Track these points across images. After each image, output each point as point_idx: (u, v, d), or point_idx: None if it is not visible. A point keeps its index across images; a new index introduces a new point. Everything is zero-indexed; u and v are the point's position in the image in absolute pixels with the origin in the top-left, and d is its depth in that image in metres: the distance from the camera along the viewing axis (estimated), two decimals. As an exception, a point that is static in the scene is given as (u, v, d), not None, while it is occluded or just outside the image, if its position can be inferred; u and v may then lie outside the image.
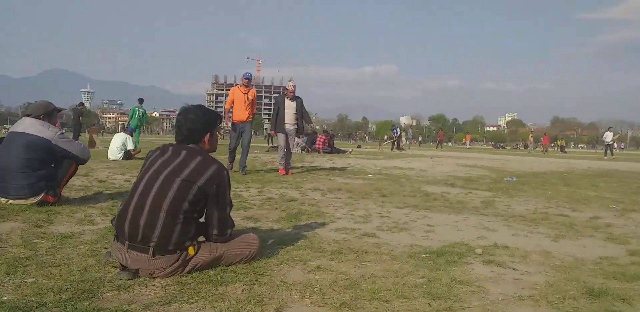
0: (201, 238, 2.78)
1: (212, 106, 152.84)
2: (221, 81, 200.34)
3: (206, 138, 2.81)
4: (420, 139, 59.97)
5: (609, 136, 26.21)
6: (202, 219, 2.74)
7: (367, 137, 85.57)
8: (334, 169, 11.28)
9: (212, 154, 2.84)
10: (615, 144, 30.80)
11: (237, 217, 4.14)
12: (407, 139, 35.90)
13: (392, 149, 27.53)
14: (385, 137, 38.50)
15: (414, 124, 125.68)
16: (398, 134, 28.51)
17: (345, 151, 20.93)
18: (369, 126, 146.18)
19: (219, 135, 3.19)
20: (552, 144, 46.75)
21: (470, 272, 2.85)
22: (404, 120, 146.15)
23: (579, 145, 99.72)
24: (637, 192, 8.23)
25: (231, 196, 2.82)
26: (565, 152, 42.35)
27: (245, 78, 9.19)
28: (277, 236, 3.64)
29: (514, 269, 3.00)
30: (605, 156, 25.98)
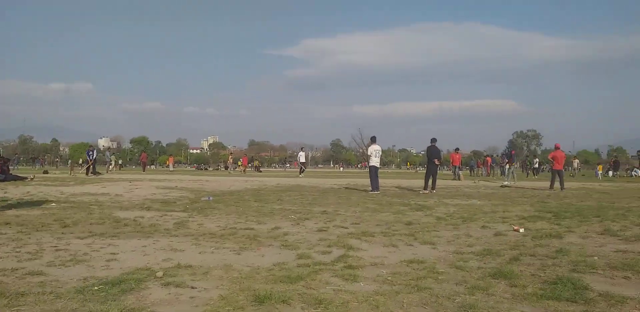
0: None
1: None
2: None
3: None
4: (120, 162, 56.58)
5: (302, 156, 30.34)
6: None
7: (58, 161, 75.61)
8: (4, 200, 9.41)
9: None
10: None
11: None
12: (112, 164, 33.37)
13: (87, 174, 24.99)
14: (80, 161, 34.81)
15: (113, 147, 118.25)
16: (94, 156, 26.14)
17: (25, 178, 17.89)
18: (61, 149, 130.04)
19: None
20: (249, 164, 51.23)
21: (146, 298, 2.70)
22: (103, 143, 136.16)
23: (272, 165, 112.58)
24: (312, 203, 9.65)
25: None
26: (261, 171, 47.06)
27: None
28: None
29: (192, 287, 3.00)
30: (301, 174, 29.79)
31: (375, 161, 13.92)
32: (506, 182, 20.44)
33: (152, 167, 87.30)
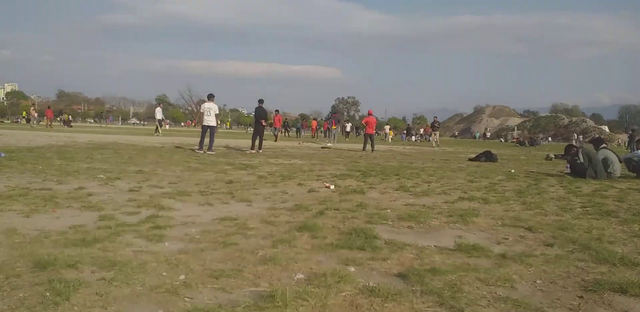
0: None
1: None
2: None
3: None
4: None
5: (159, 112, 27.33)
6: None
7: None
8: None
9: None
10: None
11: None
12: None
13: None
14: None
15: None
16: None
17: None
18: None
19: None
20: (58, 118, 45.40)
21: None
22: None
23: (87, 120, 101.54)
24: (126, 162, 9.00)
25: None
26: (71, 126, 42.14)
27: None
28: None
29: (-45, 257, 2.55)
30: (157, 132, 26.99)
31: (207, 120, 13.46)
32: (329, 144, 21.86)
33: None
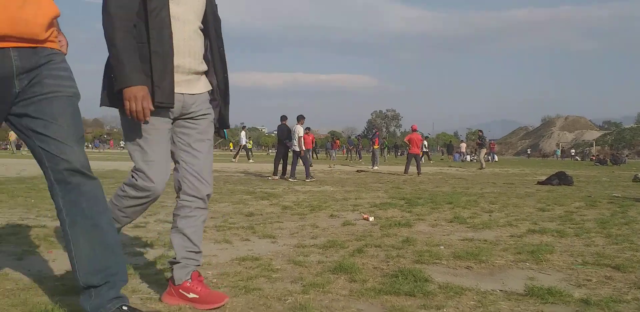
0: None
1: None
2: None
3: None
4: None
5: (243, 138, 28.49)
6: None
7: None
8: None
9: None
10: None
11: None
12: None
13: None
14: None
15: None
16: None
17: None
18: None
19: None
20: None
21: None
22: None
23: (85, 144, 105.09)
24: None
25: None
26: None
27: None
28: None
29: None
30: None
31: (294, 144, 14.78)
32: (376, 167, 21.87)
33: None
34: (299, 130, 14.50)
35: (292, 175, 14.08)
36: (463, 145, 48.03)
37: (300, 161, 14.60)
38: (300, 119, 14.74)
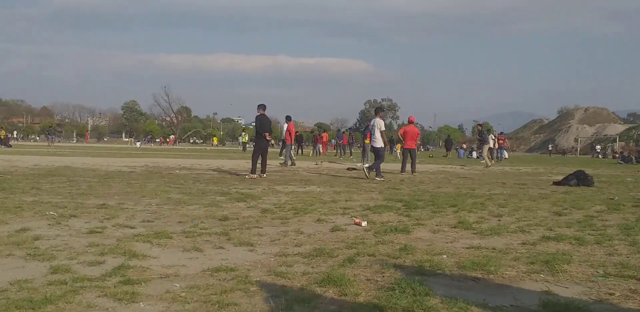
0: None
1: None
2: None
3: None
4: None
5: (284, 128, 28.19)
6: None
7: None
8: None
9: None
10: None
11: None
12: None
13: None
14: None
15: None
16: None
17: None
18: None
19: None
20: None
21: None
22: None
23: (30, 137, 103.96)
24: (85, 193, 9.14)
25: None
26: (10, 146, 43.13)
27: None
28: None
29: None
30: None
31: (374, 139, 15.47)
32: (359, 164, 21.87)
33: None
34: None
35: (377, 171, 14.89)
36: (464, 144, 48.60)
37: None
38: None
